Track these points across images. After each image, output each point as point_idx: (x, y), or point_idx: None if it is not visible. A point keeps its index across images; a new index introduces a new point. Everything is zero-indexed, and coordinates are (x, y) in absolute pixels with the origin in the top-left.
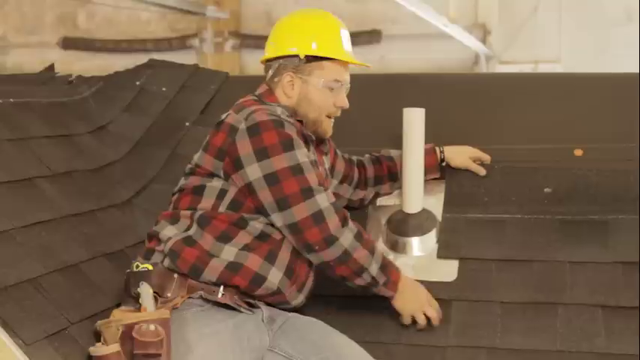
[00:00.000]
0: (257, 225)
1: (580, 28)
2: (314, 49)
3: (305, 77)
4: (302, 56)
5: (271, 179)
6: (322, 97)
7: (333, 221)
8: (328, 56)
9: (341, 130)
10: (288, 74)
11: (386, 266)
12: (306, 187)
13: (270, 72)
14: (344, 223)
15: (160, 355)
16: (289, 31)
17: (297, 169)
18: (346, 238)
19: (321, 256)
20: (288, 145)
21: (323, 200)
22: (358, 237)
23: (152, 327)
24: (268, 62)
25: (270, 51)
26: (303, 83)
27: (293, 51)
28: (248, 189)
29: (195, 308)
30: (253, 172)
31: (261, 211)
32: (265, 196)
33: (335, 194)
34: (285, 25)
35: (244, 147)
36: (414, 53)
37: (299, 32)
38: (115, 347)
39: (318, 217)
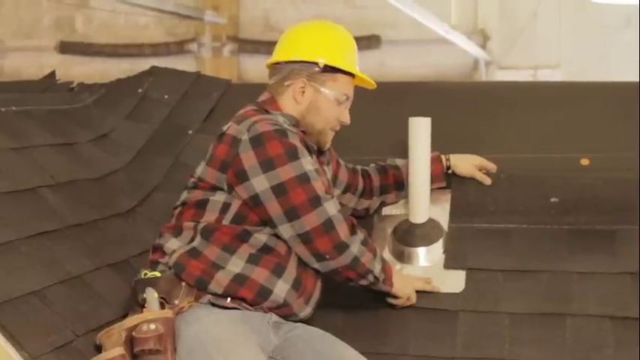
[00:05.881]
0: (261, 237)
1: (579, 34)
2: (333, 60)
3: (317, 86)
4: (321, 65)
5: (279, 190)
6: (330, 109)
7: (342, 229)
8: (346, 69)
9: (345, 139)
10: (301, 80)
11: (384, 265)
12: (314, 195)
13: (278, 75)
14: (353, 230)
15: (160, 350)
16: (308, 38)
17: (303, 178)
18: (355, 244)
19: (331, 264)
20: (293, 155)
21: (331, 208)
22: (365, 242)
23: (152, 326)
24: (276, 66)
25: (282, 55)
26: (315, 92)
27: (312, 58)
28: (253, 201)
29: (205, 308)
30: (260, 183)
31: (266, 222)
32: (274, 207)
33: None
34: (302, 33)
35: (249, 159)
36: (413, 59)
37: (320, 41)
38: (118, 350)
39: (328, 225)
